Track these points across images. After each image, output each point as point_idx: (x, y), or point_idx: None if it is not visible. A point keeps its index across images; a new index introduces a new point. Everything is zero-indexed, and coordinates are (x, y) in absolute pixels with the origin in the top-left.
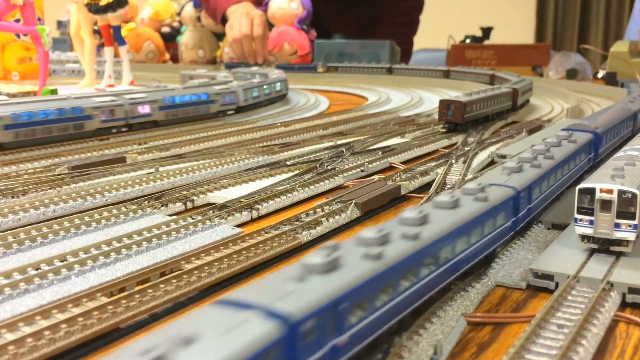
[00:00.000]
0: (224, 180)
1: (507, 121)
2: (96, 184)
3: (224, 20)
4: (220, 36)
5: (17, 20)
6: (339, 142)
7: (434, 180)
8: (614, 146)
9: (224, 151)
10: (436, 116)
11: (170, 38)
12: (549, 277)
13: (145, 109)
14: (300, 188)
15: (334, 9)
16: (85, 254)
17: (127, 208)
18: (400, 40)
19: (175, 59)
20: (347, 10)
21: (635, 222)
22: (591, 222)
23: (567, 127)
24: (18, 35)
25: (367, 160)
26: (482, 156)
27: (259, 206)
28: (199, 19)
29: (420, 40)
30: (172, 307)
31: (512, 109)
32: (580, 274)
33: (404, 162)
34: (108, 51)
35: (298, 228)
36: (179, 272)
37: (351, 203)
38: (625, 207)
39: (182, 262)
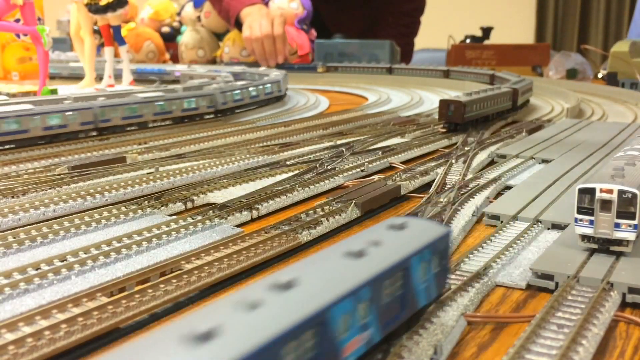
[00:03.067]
0: (224, 180)
1: (507, 121)
2: (96, 184)
3: (237, 22)
4: (220, 36)
5: (17, 20)
6: (339, 142)
7: (434, 180)
8: None
9: (224, 151)
10: (436, 116)
11: (170, 38)
12: (549, 277)
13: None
14: (300, 188)
15: (335, 9)
16: (85, 254)
17: (127, 208)
18: (402, 41)
19: (175, 59)
20: (349, 11)
21: (635, 222)
22: (591, 222)
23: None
24: (18, 35)
25: (367, 160)
26: (482, 156)
27: (259, 206)
28: (199, 19)
29: (420, 40)
30: (172, 307)
31: (512, 109)
32: (580, 274)
33: (404, 162)
34: (108, 51)
35: (298, 228)
36: (179, 272)
37: (351, 203)
38: (625, 207)
39: (182, 262)
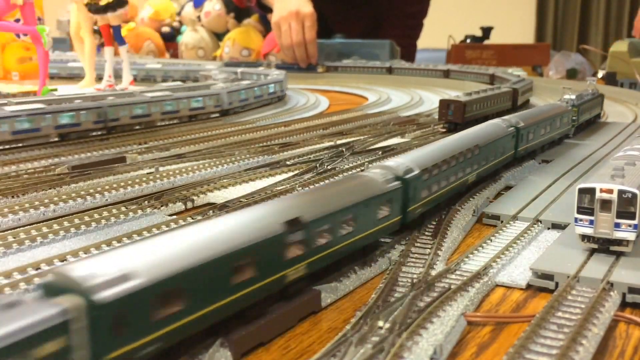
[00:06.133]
0: (224, 180)
1: None
2: (96, 184)
3: (261, 4)
4: (220, 36)
5: (17, 20)
6: (339, 142)
7: None
8: None
9: (224, 151)
10: (436, 116)
11: (170, 38)
12: (549, 277)
13: None
14: (300, 188)
15: (337, 8)
16: (85, 254)
17: (127, 208)
18: (406, 42)
19: (175, 58)
20: (351, 10)
21: (635, 222)
22: (591, 222)
23: None
24: (18, 35)
25: (367, 160)
26: None
27: None
28: (199, 18)
29: (421, 40)
30: None
31: (512, 109)
32: (580, 274)
33: None
34: (108, 51)
35: None
36: None
37: None
38: (625, 207)
39: None
